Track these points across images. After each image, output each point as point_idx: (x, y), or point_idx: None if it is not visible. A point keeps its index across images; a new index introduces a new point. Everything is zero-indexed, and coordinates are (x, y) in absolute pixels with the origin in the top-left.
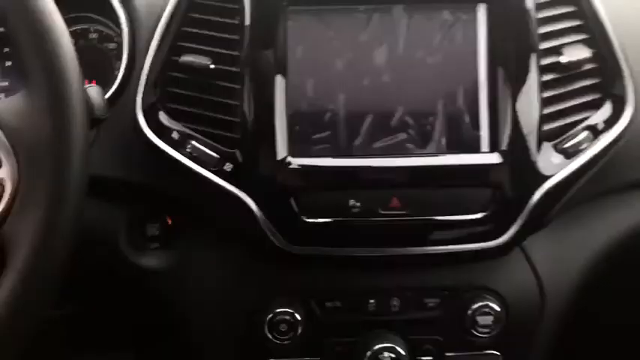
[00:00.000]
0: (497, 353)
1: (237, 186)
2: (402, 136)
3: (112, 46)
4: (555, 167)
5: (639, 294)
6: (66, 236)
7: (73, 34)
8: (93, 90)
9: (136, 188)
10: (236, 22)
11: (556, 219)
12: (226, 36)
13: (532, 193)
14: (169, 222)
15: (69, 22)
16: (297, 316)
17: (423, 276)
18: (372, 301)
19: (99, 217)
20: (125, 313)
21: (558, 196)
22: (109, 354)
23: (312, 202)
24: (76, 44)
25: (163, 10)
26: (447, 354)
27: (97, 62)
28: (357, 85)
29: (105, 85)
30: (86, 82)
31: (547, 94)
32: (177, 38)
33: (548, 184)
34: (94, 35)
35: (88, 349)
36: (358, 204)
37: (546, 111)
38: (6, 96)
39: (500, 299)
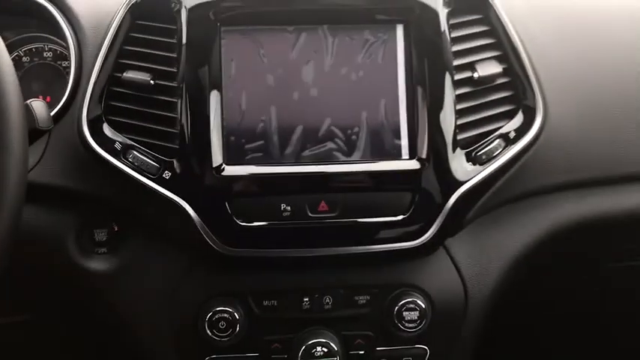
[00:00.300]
0: (425, 347)
1: (175, 193)
2: (330, 145)
3: (65, 63)
4: (470, 173)
5: (556, 295)
6: (3, 245)
7: (28, 51)
8: (37, 104)
9: (84, 196)
10: (174, 40)
11: (476, 222)
12: (165, 54)
13: (448, 197)
14: (115, 228)
15: (25, 41)
16: (236, 315)
17: (353, 275)
18: (306, 299)
19: (49, 223)
20: (77, 317)
21: (473, 200)
22: None
23: (246, 207)
24: (31, 61)
25: (108, 30)
26: (378, 348)
27: (52, 79)
28: (288, 99)
29: (59, 100)
30: (39, 97)
31: (462, 105)
32: (120, 56)
33: (463, 189)
34: (48, 54)
35: (47, 356)
36: (289, 208)
37: (461, 121)
38: None
39: (426, 296)
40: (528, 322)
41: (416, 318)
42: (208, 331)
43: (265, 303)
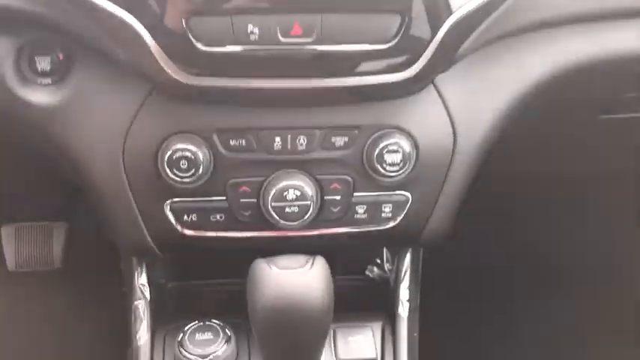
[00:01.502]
0: (407, 194)
1: (126, 9)
2: None
3: None
4: None
5: (549, 140)
6: None
7: None
8: None
9: (25, 16)
10: None
11: (470, 60)
12: None
13: (441, 24)
14: (61, 56)
15: None
16: (199, 154)
17: (330, 114)
18: (277, 139)
19: None
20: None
21: (468, 30)
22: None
23: (207, 29)
24: None
25: None
26: (356, 194)
27: None
28: None
29: None
30: None
31: None
32: None
33: (457, 15)
34: None
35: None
36: (256, 30)
37: None
38: None
39: (410, 139)
40: (516, 175)
41: (398, 161)
42: (168, 171)
43: (232, 142)
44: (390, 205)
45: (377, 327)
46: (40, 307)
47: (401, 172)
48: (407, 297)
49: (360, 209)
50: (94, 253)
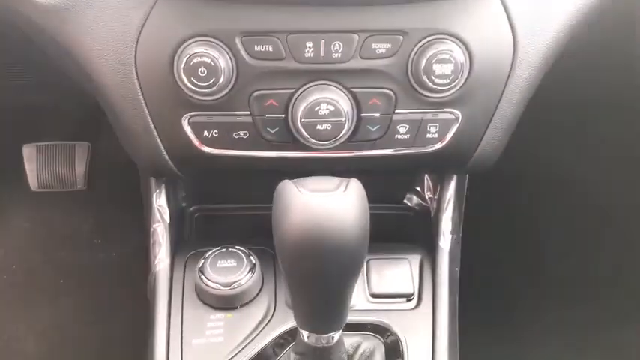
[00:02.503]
0: (456, 112)
1: None
2: None
3: None
4: None
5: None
6: None
7: None
8: None
9: None
10: None
11: None
12: None
13: None
14: None
15: None
16: (220, 61)
17: (373, 15)
18: (309, 44)
19: None
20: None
21: None
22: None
23: None
24: None
25: None
26: (397, 111)
27: None
28: None
29: None
30: None
31: None
32: None
33: None
34: None
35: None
36: None
37: None
38: None
39: (464, 47)
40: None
41: (449, 73)
42: (185, 79)
43: (257, 48)
44: (437, 124)
45: (415, 260)
46: (64, 229)
47: (451, 86)
48: (450, 228)
49: (402, 129)
50: (119, 176)
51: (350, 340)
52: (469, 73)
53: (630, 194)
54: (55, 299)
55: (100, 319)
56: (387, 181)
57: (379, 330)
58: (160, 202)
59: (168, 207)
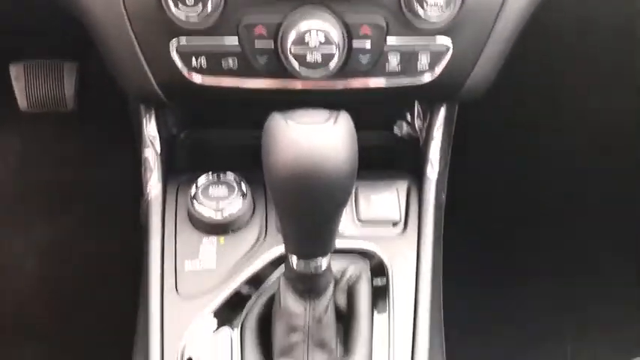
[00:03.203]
0: (448, 42)
1: None
2: None
3: None
4: None
5: None
6: None
7: None
8: None
9: None
10: None
11: None
12: None
13: None
14: None
15: None
16: None
17: None
18: None
19: None
20: None
21: None
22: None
23: None
24: None
25: None
26: (389, 40)
27: None
28: None
29: None
30: None
31: None
32: None
33: None
34: None
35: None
36: None
37: None
38: None
39: None
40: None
41: (441, 0)
42: (171, 3)
43: None
44: (428, 54)
45: (402, 187)
46: (56, 150)
47: (444, 13)
48: (437, 157)
49: (393, 59)
50: (109, 98)
51: (337, 265)
52: (462, 1)
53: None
54: (50, 218)
55: (95, 237)
56: (376, 109)
57: (366, 255)
58: (149, 128)
59: (159, 133)
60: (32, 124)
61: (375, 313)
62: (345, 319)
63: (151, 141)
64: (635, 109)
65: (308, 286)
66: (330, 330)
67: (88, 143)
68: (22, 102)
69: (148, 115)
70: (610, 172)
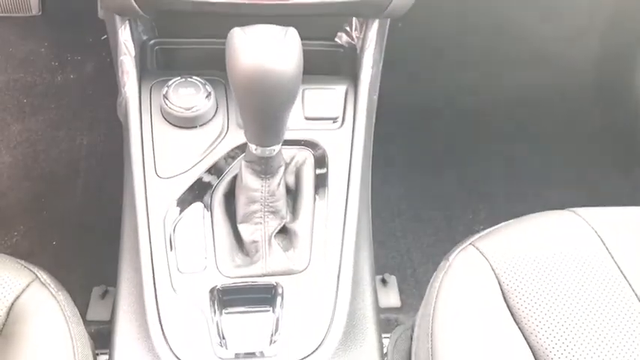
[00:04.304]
0: None
1: None
2: None
3: None
4: None
5: None
6: None
7: None
8: None
9: None
10: None
11: None
12: None
13: None
14: None
15: None
16: None
17: None
18: None
19: None
20: None
21: None
22: None
23: None
24: None
25: None
26: None
27: None
28: None
29: None
30: None
31: None
32: None
33: None
34: None
35: None
36: None
37: None
38: None
39: None
40: None
41: None
42: None
43: None
44: None
45: (341, 89)
46: (21, 53)
47: None
48: (370, 64)
49: None
50: (73, 1)
51: (287, 152)
52: None
53: None
54: (21, 117)
55: (67, 134)
56: (321, 22)
57: (310, 145)
58: (125, 36)
59: (132, 40)
60: None
61: (317, 189)
62: (293, 194)
63: (126, 46)
64: None
65: (264, 167)
66: (281, 201)
67: (52, 45)
68: None
69: (123, 26)
70: None
